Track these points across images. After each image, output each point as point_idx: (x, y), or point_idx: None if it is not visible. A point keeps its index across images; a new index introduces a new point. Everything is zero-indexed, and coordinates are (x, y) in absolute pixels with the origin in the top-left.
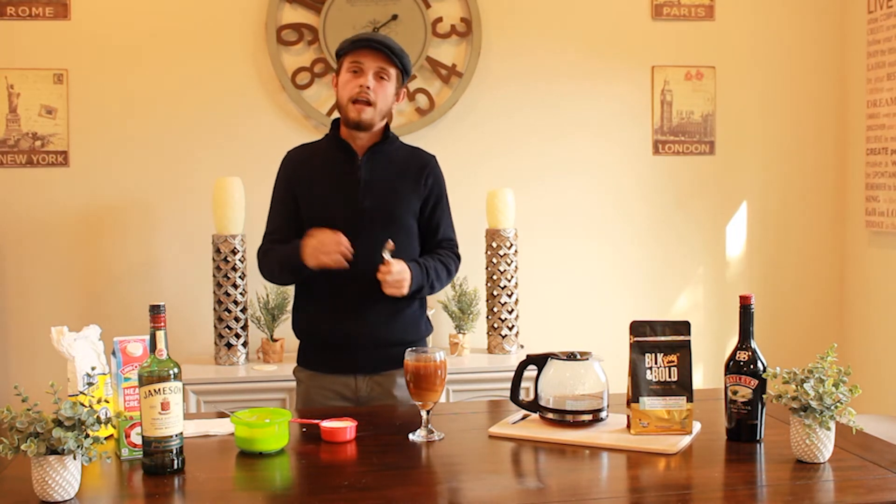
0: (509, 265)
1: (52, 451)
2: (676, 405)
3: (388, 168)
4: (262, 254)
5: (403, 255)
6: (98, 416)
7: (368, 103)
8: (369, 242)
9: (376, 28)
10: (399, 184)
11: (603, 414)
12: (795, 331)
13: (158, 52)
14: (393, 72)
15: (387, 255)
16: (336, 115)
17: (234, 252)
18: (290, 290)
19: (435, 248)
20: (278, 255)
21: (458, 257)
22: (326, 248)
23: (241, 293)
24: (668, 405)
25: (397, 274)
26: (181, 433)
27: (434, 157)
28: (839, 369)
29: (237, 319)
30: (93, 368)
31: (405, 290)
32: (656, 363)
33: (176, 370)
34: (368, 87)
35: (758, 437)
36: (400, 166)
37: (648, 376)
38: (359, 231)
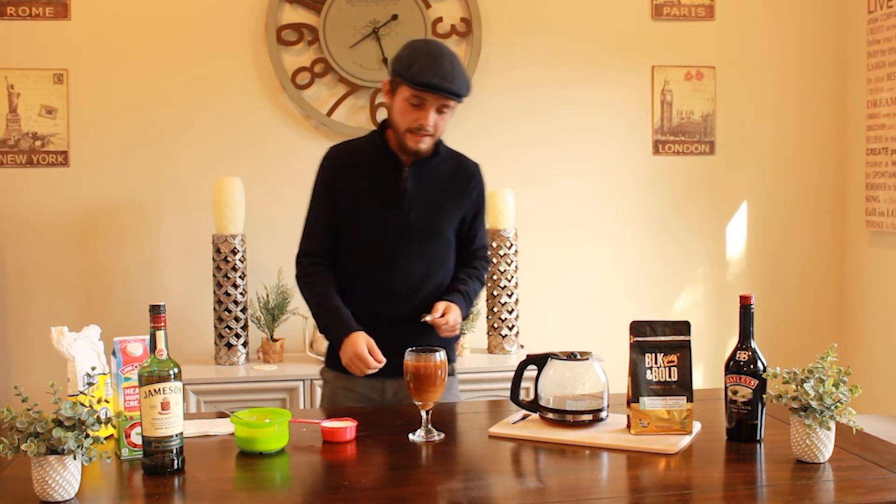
0: (509, 265)
1: (52, 451)
2: (676, 405)
3: (433, 181)
4: (304, 278)
5: (439, 266)
6: (98, 416)
7: (428, 135)
8: (410, 256)
9: (376, 28)
10: (444, 197)
11: (603, 414)
12: (795, 331)
13: (158, 52)
14: (454, 104)
15: (428, 318)
16: (383, 113)
17: (234, 252)
18: (290, 291)
19: (470, 256)
20: (319, 309)
21: (489, 261)
22: (356, 367)
23: (241, 293)
24: (668, 405)
25: (453, 323)
26: (181, 433)
27: (478, 165)
28: (839, 369)
29: (237, 319)
30: (93, 368)
31: (458, 332)
32: (656, 363)
33: (176, 370)
34: (430, 125)
35: (758, 437)
36: (445, 178)
37: (648, 376)
38: (401, 244)
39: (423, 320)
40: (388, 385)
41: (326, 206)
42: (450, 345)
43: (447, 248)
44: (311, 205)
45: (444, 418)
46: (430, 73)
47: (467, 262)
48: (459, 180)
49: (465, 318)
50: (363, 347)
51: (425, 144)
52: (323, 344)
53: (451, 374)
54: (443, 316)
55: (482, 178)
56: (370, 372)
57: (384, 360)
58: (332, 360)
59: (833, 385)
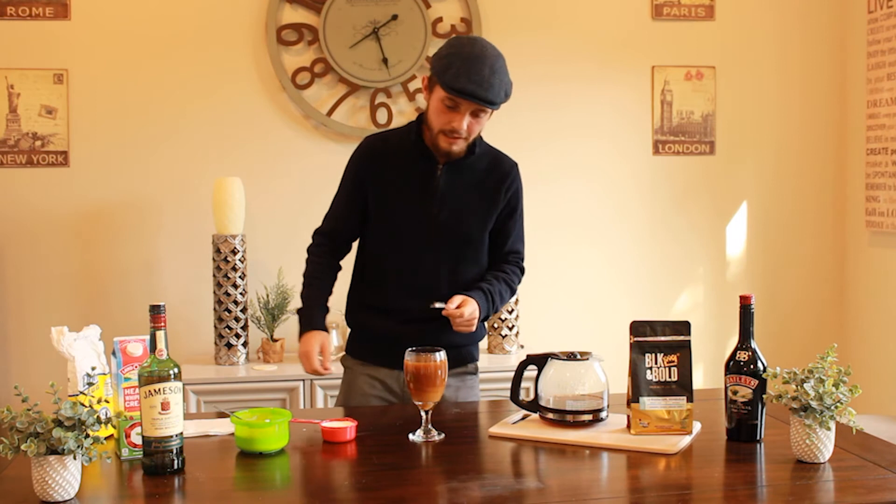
0: None
1: (52, 451)
2: (676, 405)
3: (467, 180)
4: (309, 255)
5: (468, 266)
6: (98, 416)
7: (461, 138)
8: (437, 255)
9: (376, 28)
10: (476, 198)
11: (603, 414)
12: (795, 331)
13: (158, 52)
14: (490, 109)
15: (439, 305)
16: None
17: (234, 252)
18: (290, 291)
19: (500, 260)
20: (303, 292)
21: (523, 271)
22: (304, 364)
23: (241, 293)
24: (669, 405)
25: (468, 316)
26: (181, 433)
27: (516, 164)
28: (839, 369)
29: (237, 319)
30: (93, 368)
31: (474, 328)
32: (656, 363)
33: (176, 370)
34: (463, 129)
35: (758, 437)
36: (480, 178)
37: (648, 376)
38: (428, 243)
39: (432, 306)
40: None
41: (351, 195)
42: (474, 342)
43: (477, 249)
44: (339, 188)
45: (444, 418)
46: (465, 79)
47: (497, 266)
48: (493, 179)
49: (485, 318)
50: (314, 348)
51: (458, 147)
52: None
53: (474, 372)
54: (458, 308)
55: (518, 177)
56: (321, 373)
57: (330, 370)
58: (354, 349)
59: (833, 385)
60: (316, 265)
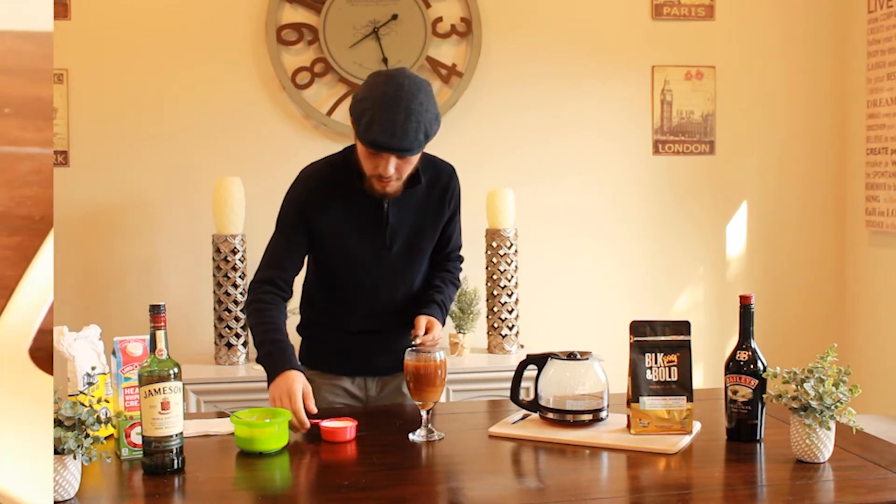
0: (509, 265)
1: (53, 451)
2: (676, 405)
3: (414, 206)
4: (257, 303)
5: (418, 277)
6: (98, 416)
7: (392, 181)
8: (393, 279)
9: (376, 28)
10: (425, 220)
11: (603, 414)
12: (795, 331)
13: (158, 52)
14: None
15: (419, 340)
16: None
17: (234, 252)
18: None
19: (444, 259)
20: (265, 337)
21: (462, 260)
22: (285, 402)
23: (241, 293)
24: (669, 405)
25: (437, 338)
26: (181, 433)
27: (453, 171)
28: (839, 369)
29: (237, 319)
30: (93, 368)
31: (438, 344)
32: (656, 363)
33: (176, 370)
34: (389, 176)
35: (758, 437)
36: (424, 197)
37: (648, 376)
38: (383, 269)
39: (413, 341)
40: (371, 382)
41: (296, 236)
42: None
43: (426, 260)
44: (278, 232)
45: (444, 418)
46: (378, 129)
47: (442, 266)
48: (436, 194)
49: (442, 325)
50: (298, 391)
51: (392, 188)
52: None
53: None
54: (427, 332)
55: (457, 181)
56: (303, 424)
57: (309, 423)
58: (310, 361)
59: (833, 385)
60: (270, 310)
